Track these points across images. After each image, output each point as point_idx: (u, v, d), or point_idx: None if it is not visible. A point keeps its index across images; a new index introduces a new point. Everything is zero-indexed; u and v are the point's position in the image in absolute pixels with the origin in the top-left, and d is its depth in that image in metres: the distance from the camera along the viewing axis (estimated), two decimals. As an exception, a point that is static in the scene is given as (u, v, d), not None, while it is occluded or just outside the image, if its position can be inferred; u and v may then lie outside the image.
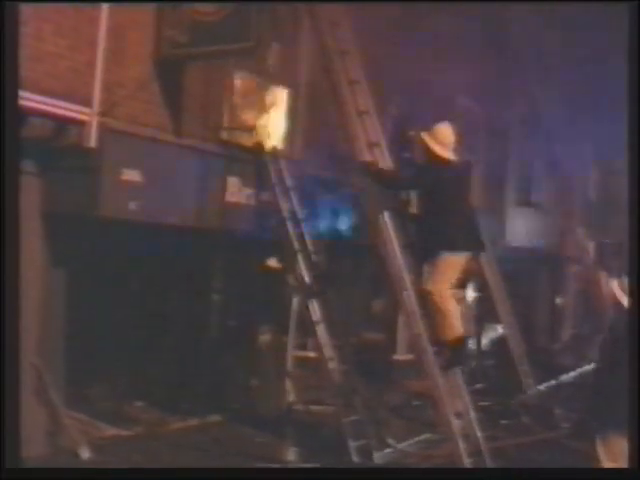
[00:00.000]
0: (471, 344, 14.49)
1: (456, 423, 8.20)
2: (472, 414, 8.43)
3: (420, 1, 11.57)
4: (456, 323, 8.17)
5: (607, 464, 6.77)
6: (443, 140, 8.20)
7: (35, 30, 8.07)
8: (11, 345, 5.14)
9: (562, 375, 15.53)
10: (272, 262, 10.69)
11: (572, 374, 15.71)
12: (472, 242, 8.29)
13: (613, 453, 6.84)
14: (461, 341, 8.30)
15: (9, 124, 5.34)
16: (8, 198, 5.24)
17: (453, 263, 8.09)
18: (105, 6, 8.66)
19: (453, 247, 8.01)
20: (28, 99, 7.94)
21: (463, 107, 13.96)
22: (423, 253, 8.24)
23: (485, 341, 15.67)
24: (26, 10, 7.91)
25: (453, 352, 8.20)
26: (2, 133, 5.31)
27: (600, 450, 6.90)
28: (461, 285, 9.97)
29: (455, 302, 8.29)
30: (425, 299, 8.12)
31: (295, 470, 8.32)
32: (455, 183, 8.15)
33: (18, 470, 5.27)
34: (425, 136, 8.25)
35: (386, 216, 8.40)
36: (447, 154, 8.18)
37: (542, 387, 14.03)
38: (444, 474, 6.63)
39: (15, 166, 5.37)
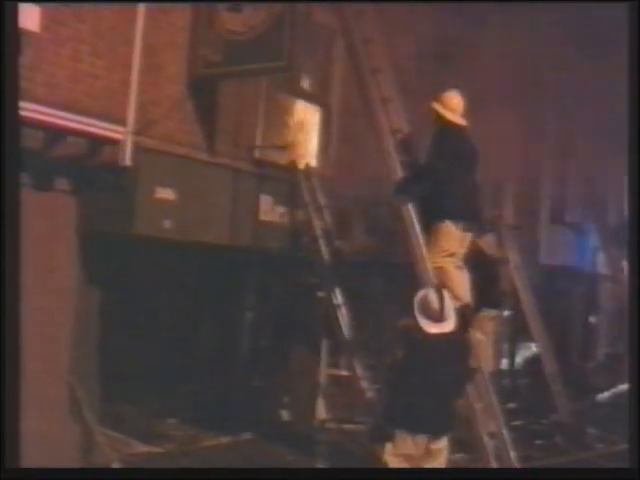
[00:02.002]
0: (504, 363, 14.44)
1: (490, 443, 8.15)
2: (505, 434, 8.37)
3: (435, 1, 11.56)
4: (459, 290, 8.15)
5: (393, 463, 6.80)
6: (454, 107, 8.27)
7: (72, 51, 8.20)
8: (10, 346, 5.15)
9: (596, 394, 15.37)
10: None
11: (606, 393, 15.55)
12: (469, 211, 8.27)
13: (402, 454, 6.88)
14: (467, 308, 8.21)
15: (9, 125, 5.33)
16: (9, 206, 5.25)
17: (449, 233, 8.10)
18: (140, 27, 8.77)
19: (450, 215, 8.04)
20: (65, 119, 8.06)
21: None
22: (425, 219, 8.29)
23: (518, 360, 15.57)
24: (64, 32, 8.08)
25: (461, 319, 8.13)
26: (2, 139, 5.29)
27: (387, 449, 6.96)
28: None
29: (458, 271, 8.24)
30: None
31: (300, 471, 8.28)
32: (468, 150, 8.24)
33: (18, 470, 5.28)
34: (436, 105, 8.30)
35: (418, 234, 8.37)
36: (459, 120, 8.27)
37: (576, 407, 13.88)
38: (453, 474, 6.61)
39: (15, 177, 5.37)
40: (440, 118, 8.29)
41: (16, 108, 5.53)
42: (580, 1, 12.74)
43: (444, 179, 8.04)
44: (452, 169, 8.05)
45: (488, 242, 11.30)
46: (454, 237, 8.12)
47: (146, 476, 6.31)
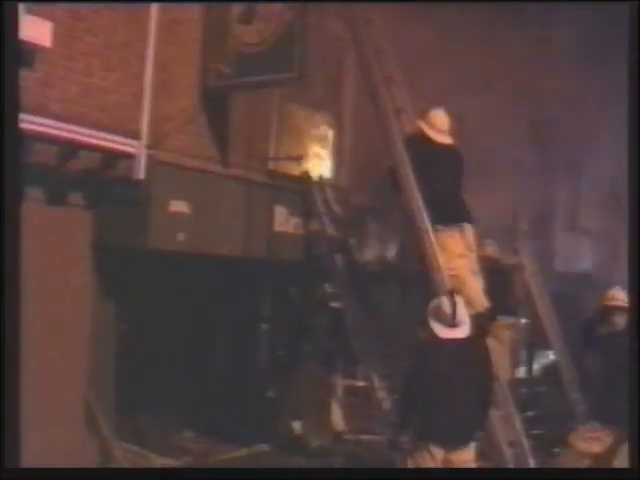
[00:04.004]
0: (522, 371, 14.36)
1: (509, 451, 8.09)
2: (525, 442, 8.31)
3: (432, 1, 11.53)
4: (476, 296, 8.14)
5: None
6: (438, 125, 8.31)
7: (85, 66, 8.24)
8: (10, 345, 5.16)
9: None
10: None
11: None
12: (460, 214, 8.33)
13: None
14: (483, 315, 8.20)
15: (9, 129, 5.33)
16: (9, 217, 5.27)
17: (451, 239, 8.16)
18: (152, 40, 8.81)
19: (444, 220, 8.13)
20: (79, 133, 8.09)
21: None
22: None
23: (536, 367, 15.48)
24: (76, 46, 8.11)
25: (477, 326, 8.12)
26: (2, 147, 5.29)
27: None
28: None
29: (473, 277, 8.25)
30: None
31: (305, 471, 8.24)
32: (442, 162, 8.27)
33: (18, 470, 5.26)
34: (421, 123, 8.35)
35: (432, 242, 8.34)
36: (442, 138, 8.31)
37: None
38: (456, 474, 6.53)
39: (16, 189, 5.38)
40: (425, 137, 8.32)
41: (17, 116, 5.53)
42: (580, 1, 12.72)
43: (429, 190, 8.14)
44: (434, 181, 8.15)
45: (491, 249, 11.28)
46: (452, 239, 8.15)
47: (151, 476, 6.33)
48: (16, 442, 5.21)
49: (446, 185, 8.22)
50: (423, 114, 8.40)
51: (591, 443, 8.27)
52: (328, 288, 10.42)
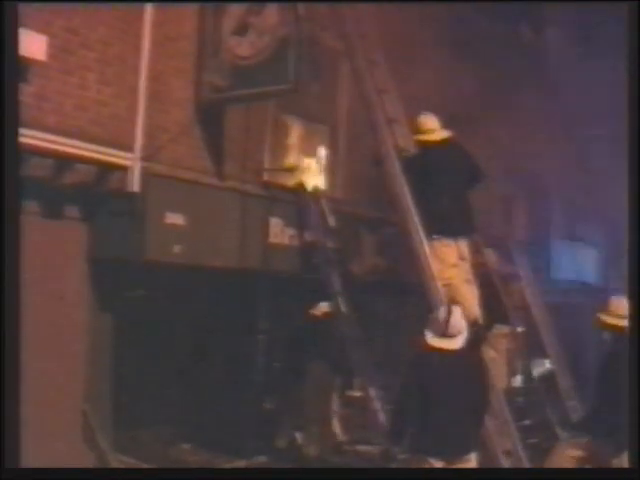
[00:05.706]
0: (518, 379, 14.38)
1: (505, 461, 8.10)
2: (521, 451, 8.32)
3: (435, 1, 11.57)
4: (470, 305, 8.17)
5: None
6: (429, 126, 8.52)
7: (80, 80, 8.26)
8: (11, 345, 5.18)
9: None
10: (321, 308, 10.54)
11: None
12: (461, 226, 8.39)
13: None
14: (477, 323, 8.21)
15: (9, 143, 5.36)
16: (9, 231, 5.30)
17: (446, 249, 8.21)
18: (146, 53, 8.85)
19: (442, 231, 8.20)
20: (74, 146, 8.12)
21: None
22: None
23: (533, 376, 15.48)
24: (71, 60, 8.15)
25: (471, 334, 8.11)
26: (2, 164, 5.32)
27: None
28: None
29: (467, 286, 8.27)
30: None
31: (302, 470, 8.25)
32: (440, 165, 8.38)
33: (18, 470, 5.28)
34: (415, 136, 8.59)
35: (426, 252, 8.37)
36: (439, 135, 8.51)
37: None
38: (454, 474, 6.51)
39: (16, 204, 5.41)
40: (421, 143, 8.52)
41: (16, 130, 5.56)
42: (580, 0, 12.77)
43: (428, 196, 8.24)
44: (433, 191, 8.24)
45: (488, 257, 11.31)
46: (448, 249, 8.17)
47: (145, 476, 6.35)
48: (16, 442, 5.23)
49: (445, 193, 8.25)
50: (413, 127, 8.53)
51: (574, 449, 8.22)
52: (323, 299, 10.42)
